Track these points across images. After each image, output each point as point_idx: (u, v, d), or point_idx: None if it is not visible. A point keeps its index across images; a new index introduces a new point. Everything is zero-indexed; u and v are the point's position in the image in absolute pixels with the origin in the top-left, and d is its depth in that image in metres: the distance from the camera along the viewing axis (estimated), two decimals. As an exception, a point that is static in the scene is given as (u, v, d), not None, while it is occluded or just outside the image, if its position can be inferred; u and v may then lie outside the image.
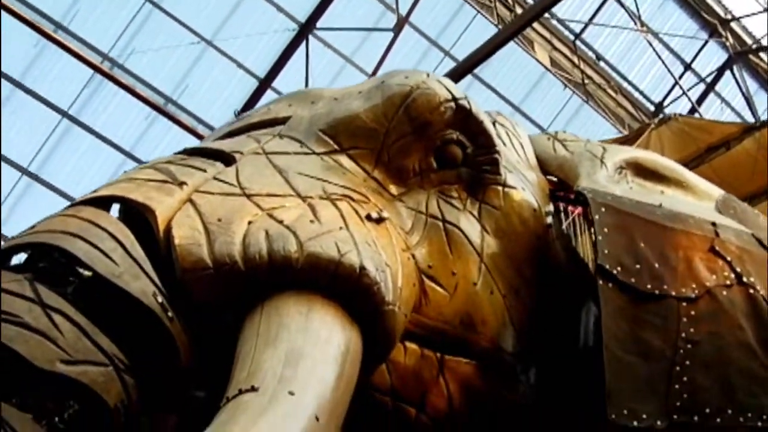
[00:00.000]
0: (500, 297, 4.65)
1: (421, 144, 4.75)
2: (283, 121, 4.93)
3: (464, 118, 4.83)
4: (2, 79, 16.56)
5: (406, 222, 4.59)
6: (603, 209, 4.79)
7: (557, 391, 4.76)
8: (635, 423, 4.25)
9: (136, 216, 4.05)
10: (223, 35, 17.90)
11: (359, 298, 4.00)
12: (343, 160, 4.65)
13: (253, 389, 3.50)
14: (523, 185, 5.01)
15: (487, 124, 4.95)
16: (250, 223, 4.04)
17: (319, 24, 18.20)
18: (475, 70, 17.74)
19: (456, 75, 15.31)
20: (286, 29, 18.21)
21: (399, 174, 4.72)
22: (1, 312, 3.49)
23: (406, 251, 4.41)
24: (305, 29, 18.21)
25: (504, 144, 5.33)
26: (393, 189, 4.69)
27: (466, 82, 17.76)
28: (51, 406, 3.54)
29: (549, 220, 4.98)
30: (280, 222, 4.07)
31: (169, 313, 3.78)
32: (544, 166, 5.53)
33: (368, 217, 4.31)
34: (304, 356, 3.68)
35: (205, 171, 4.29)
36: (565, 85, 20.44)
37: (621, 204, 4.88)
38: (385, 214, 4.38)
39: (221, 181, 4.24)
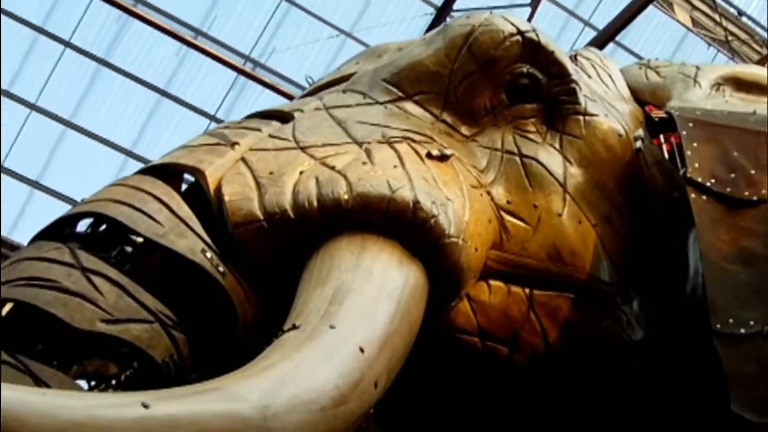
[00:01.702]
0: (590, 226, 4.51)
1: (489, 81, 4.64)
2: (349, 78, 4.90)
3: (533, 50, 4.69)
4: (149, 89, 16.99)
5: (480, 161, 4.49)
6: (690, 124, 4.63)
7: (663, 321, 4.59)
8: (742, 330, 4.01)
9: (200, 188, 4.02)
10: (361, 26, 17.92)
11: (415, 232, 3.89)
12: (409, 106, 4.57)
13: (295, 327, 3.39)
14: (606, 112, 4.83)
15: (559, 54, 4.78)
16: (301, 173, 3.97)
17: (455, 6, 18.00)
18: (617, 38, 17.38)
19: (598, 44, 15.03)
20: (423, 14, 18.10)
21: (470, 114, 4.61)
22: (39, 278, 3.47)
23: (478, 188, 4.31)
24: (442, 12, 18.03)
25: (589, 76, 5.19)
26: (465, 130, 4.59)
27: (609, 49, 17.29)
28: (97, 368, 3.49)
29: (638, 144, 4.77)
30: (332, 168, 4.00)
31: (220, 268, 3.71)
32: (638, 95, 5.34)
33: (428, 155, 4.21)
34: (352, 292, 3.57)
35: (259, 130, 4.25)
36: (709, 44, 19.69)
37: (711, 117, 4.70)
38: (448, 152, 4.27)
39: (276, 137, 4.20)
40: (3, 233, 15.25)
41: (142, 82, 17.08)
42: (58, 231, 3.79)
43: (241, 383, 3.03)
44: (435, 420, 4.61)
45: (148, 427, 2.64)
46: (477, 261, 4.11)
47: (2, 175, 15.67)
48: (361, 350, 3.35)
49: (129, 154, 17.09)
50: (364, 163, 4.04)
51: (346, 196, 3.86)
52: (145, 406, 2.66)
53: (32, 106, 16.01)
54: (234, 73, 17.21)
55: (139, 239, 3.72)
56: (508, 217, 4.36)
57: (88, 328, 3.40)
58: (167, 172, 4.02)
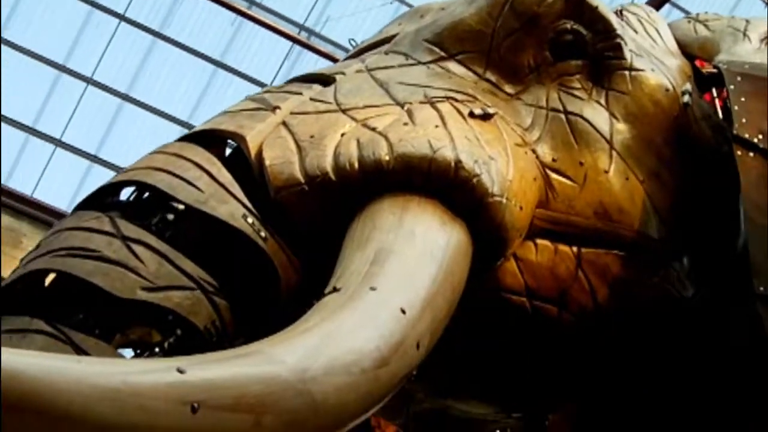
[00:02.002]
0: (637, 183, 4.46)
1: (532, 39, 4.59)
2: (391, 39, 4.85)
3: (577, 6, 4.63)
4: (205, 61, 17.05)
5: (525, 119, 4.44)
6: (738, 78, 4.54)
7: (713, 279, 4.54)
8: None
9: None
10: (417, -8, 17.82)
11: (458, 192, 3.86)
12: (451, 65, 4.53)
13: (335, 290, 3.37)
14: (652, 67, 4.75)
15: (604, 9, 4.71)
16: (342, 135, 3.95)
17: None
18: (673, -1, 17.06)
19: (654, 4, 14.79)
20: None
21: (513, 72, 4.57)
22: (79, 248, 3.48)
23: (522, 146, 4.27)
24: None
25: (635, 31, 5.11)
26: (508, 88, 4.54)
27: (665, 11, 17.01)
28: (140, 337, 3.51)
29: (686, 99, 4.69)
30: (373, 129, 3.97)
31: (262, 233, 3.70)
32: (686, 50, 5.25)
33: (471, 115, 4.17)
34: (394, 253, 3.53)
35: (300, 94, 4.23)
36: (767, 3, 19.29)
37: (760, 71, 4.59)
38: (491, 110, 4.24)
39: (317, 101, 4.17)
40: (63, 207, 15.46)
41: (197, 54, 17.14)
42: (100, 200, 3.80)
43: (280, 346, 3.01)
44: (479, 380, 4.60)
45: (183, 392, 2.60)
46: (522, 220, 4.07)
47: (61, 149, 15.85)
48: (403, 312, 3.31)
49: (186, 125, 17.18)
50: (405, 123, 4.00)
51: (387, 157, 3.84)
52: (180, 371, 2.63)
53: (89, 80, 16.14)
54: (289, 43, 17.23)
55: (180, 206, 3.72)
56: (553, 175, 4.32)
57: (129, 297, 3.39)
58: (209, 139, 4.00)
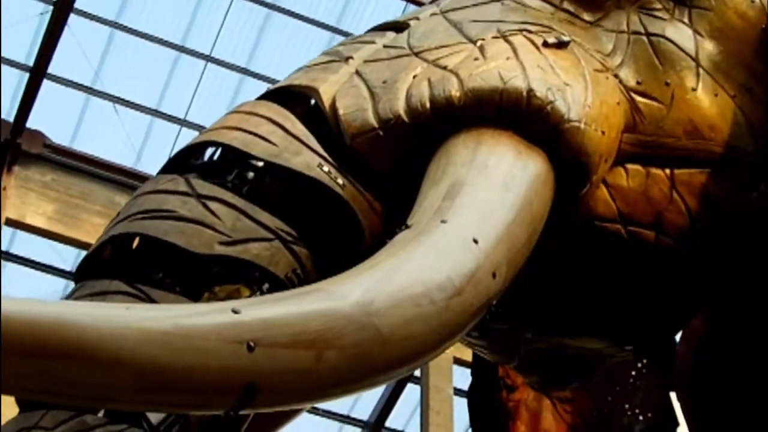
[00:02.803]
0: (728, 98, 4.35)
1: None
2: None
3: None
4: (321, 29, 17.11)
5: (605, 45, 4.36)
6: None
7: None
8: None
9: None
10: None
11: (532, 121, 3.82)
12: None
13: (406, 227, 3.35)
14: None
15: None
16: (414, 77, 3.94)
17: None
18: None
19: None
20: None
21: (591, 0, 4.47)
22: (155, 210, 3.54)
23: (603, 72, 4.20)
24: None
25: None
26: (587, 16, 4.45)
27: None
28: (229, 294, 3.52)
29: None
30: (444, 68, 3.95)
31: (339, 180, 3.72)
32: None
33: (545, 44, 4.11)
34: (466, 186, 3.52)
35: (374, 42, 4.23)
36: None
37: None
38: (566, 38, 4.16)
39: (390, 47, 4.17)
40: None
41: (313, 22, 17.21)
42: (177, 164, 3.85)
43: (342, 282, 3.00)
44: (584, 315, 4.51)
45: (238, 331, 2.59)
46: (605, 144, 4.00)
47: (186, 128, 16.13)
48: (475, 242, 3.28)
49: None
50: (476, 59, 3.97)
51: (457, 93, 3.82)
52: (236, 311, 2.63)
53: (208, 58, 16.31)
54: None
55: (258, 162, 3.76)
56: (639, 98, 4.24)
57: (207, 252, 3.43)
58: (285, 96, 4.03)
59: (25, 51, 14.35)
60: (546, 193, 3.75)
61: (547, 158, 3.80)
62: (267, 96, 4.06)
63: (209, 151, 3.90)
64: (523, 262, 3.56)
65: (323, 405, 16.41)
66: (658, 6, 4.46)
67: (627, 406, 4.92)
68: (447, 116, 3.80)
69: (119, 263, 3.53)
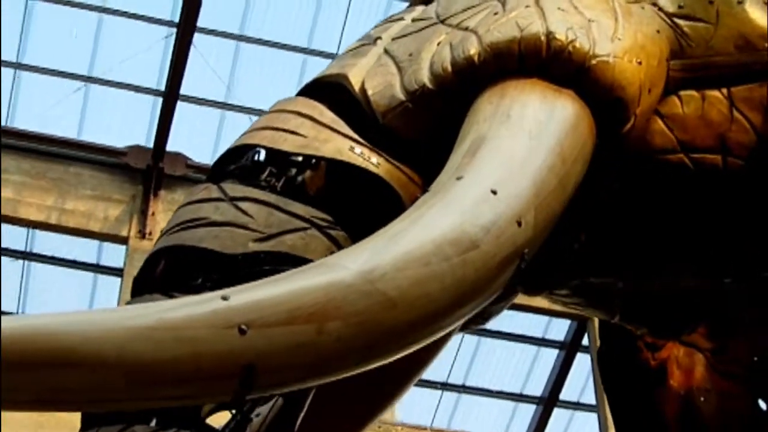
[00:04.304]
0: None
1: None
2: None
3: None
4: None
5: None
6: None
7: None
8: None
9: None
10: None
11: (556, 63, 3.72)
12: None
13: (426, 191, 3.30)
14: None
15: None
16: (438, 44, 3.90)
17: None
18: None
19: None
20: None
21: None
22: (190, 220, 3.59)
23: (637, 2, 4.08)
24: None
25: None
26: None
27: None
28: None
29: None
30: (465, 29, 3.89)
31: (373, 159, 3.70)
32: None
33: None
34: (486, 140, 3.44)
35: (402, 19, 4.23)
36: None
37: None
38: None
39: (418, 20, 4.15)
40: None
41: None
42: (215, 173, 3.91)
43: (345, 254, 2.96)
44: (672, 255, 4.37)
45: (227, 317, 2.57)
46: (644, 74, 3.85)
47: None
48: (494, 192, 3.19)
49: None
50: (496, 13, 3.89)
51: (477, 50, 3.75)
52: (225, 298, 2.61)
53: (336, 57, 16.28)
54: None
55: (298, 157, 3.79)
56: (682, 22, 4.08)
57: (242, 251, 3.43)
58: (320, 89, 4.03)
59: (156, 76, 14.72)
60: (581, 133, 3.62)
61: (578, 98, 3.69)
62: (302, 92, 4.06)
63: (246, 154, 3.93)
64: (561, 205, 3.44)
65: (494, 385, 16.37)
66: None
67: None
68: (470, 76, 3.72)
69: (162, 277, 3.57)
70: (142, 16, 14.67)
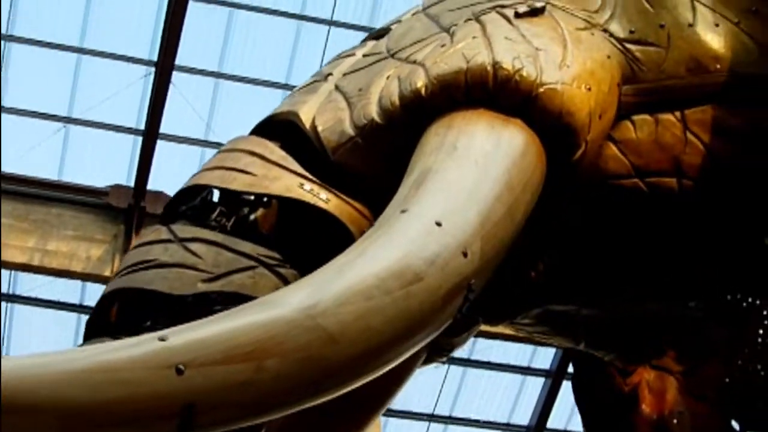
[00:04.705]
0: (731, 26, 4.19)
1: None
2: None
3: None
4: None
5: (593, 3, 4.25)
6: None
7: None
8: None
9: None
10: None
11: (502, 93, 3.74)
12: None
13: (371, 224, 3.36)
14: None
15: None
16: (387, 78, 3.93)
17: None
18: None
19: None
20: None
21: None
22: (140, 262, 3.60)
23: (587, 29, 4.11)
24: None
25: None
26: None
27: None
28: None
29: None
30: (414, 62, 3.92)
31: (323, 195, 3.72)
32: None
33: (516, 15, 4.03)
34: (432, 172, 3.45)
35: (353, 55, 4.26)
36: None
37: None
38: (539, 4, 4.08)
39: (369, 55, 4.18)
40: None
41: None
42: (166, 215, 3.92)
43: (287, 290, 2.98)
44: (634, 279, 4.41)
45: (165, 357, 2.60)
46: (594, 100, 3.87)
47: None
48: (438, 224, 3.20)
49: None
50: (443, 45, 3.91)
51: (422, 84, 3.76)
52: (162, 339, 2.64)
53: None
54: None
55: (250, 196, 3.79)
56: (634, 47, 4.12)
57: (191, 292, 3.46)
58: (273, 128, 4.05)
59: (135, 115, 14.68)
60: (529, 161, 3.63)
61: (527, 127, 3.70)
62: (255, 130, 4.09)
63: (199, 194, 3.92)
64: (510, 234, 3.46)
65: (481, 415, 16.31)
66: None
67: (759, 366, 4.68)
68: (418, 109, 3.74)
69: (114, 320, 3.59)
70: (121, 55, 14.65)
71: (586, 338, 4.80)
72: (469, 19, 4.04)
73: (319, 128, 3.86)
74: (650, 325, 4.76)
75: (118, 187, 14.64)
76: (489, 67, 3.72)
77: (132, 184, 14.47)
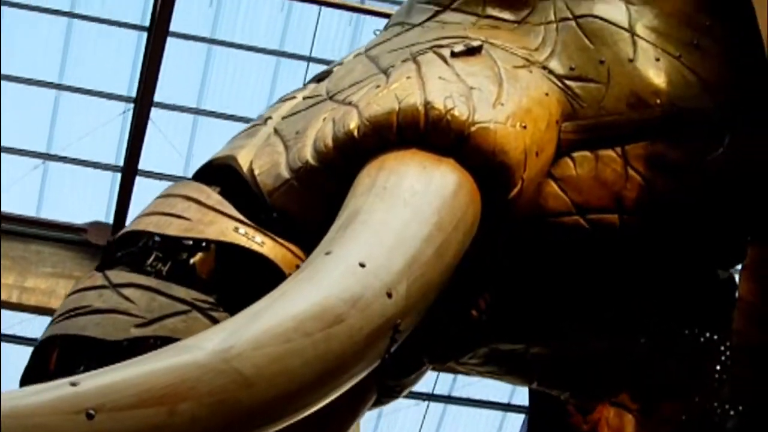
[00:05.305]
0: (672, 60, 4.20)
1: None
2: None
3: None
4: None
5: (533, 41, 4.29)
6: None
7: None
8: None
9: None
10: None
11: (434, 132, 3.74)
12: (447, 16, 4.45)
13: (297, 267, 3.36)
14: None
15: None
16: (323, 120, 3.93)
17: None
18: None
19: None
20: None
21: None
22: (74, 309, 3.62)
23: (525, 66, 4.13)
24: None
25: None
26: (513, 16, 4.41)
27: None
28: None
29: None
30: (349, 104, 3.93)
31: (257, 239, 3.72)
32: None
33: (452, 54, 4.04)
34: (360, 213, 3.46)
35: (294, 98, 4.28)
36: None
37: None
38: (475, 43, 4.09)
39: (309, 97, 4.20)
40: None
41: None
42: (103, 261, 3.91)
43: (202, 334, 2.97)
44: (581, 315, 4.41)
45: (75, 402, 2.58)
46: (530, 138, 3.87)
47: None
48: (362, 265, 3.19)
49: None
50: (378, 86, 3.93)
51: (354, 126, 3.77)
52: (74, 384, 2.63)
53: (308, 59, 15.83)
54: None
55: (189, 241, 3.80)
56: (574, 83, 4.13)
57: (124, 337, 3.45)
58: (212, 172, 4.08)
59: (114, 151, 14.73)
60: (461, 201, 3.63)
61: (460, 166, 3.69)
62: (196, 175, 4.11)
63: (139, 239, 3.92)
64: (440, 274, 3.44)
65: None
66: None
67: (716, 403, 4.66)
68: (351, 150, 3.75)
69: (50, 367, 3.58)
70: (99, 92, 14.69)
71: (539, 377, 4.78)
72: (407, 60, 4.05)
73: (256, 172, 3.87)
74: (602, 362, 4.73)
75: (96, 224, 14.63)
76: (420, 107, 3.73)
77: (111, 221, 14.45)
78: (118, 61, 14.74)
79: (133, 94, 14.38)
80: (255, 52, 15.12)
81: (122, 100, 14.62)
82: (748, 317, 4.37)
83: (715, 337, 4.57)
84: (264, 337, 2.89)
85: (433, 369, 4.70)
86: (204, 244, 3.77)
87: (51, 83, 14.75)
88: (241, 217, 3.75)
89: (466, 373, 5.02)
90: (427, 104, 3.74)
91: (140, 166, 14.46)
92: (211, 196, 3.84)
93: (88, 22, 14.57)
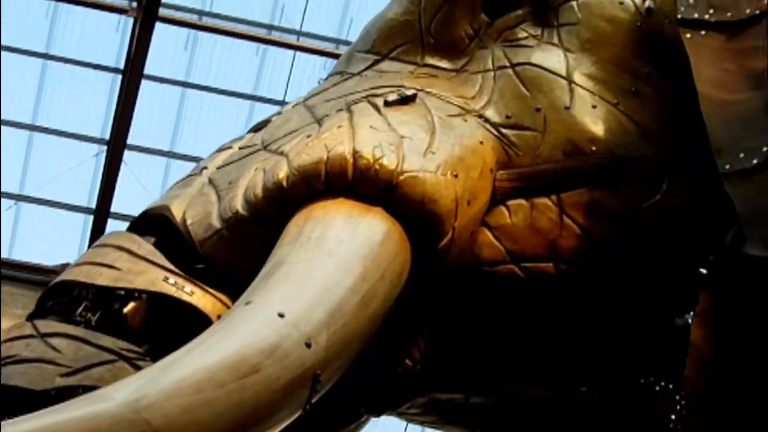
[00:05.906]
0: (609, 107, 4.22)
1: (461, 8, 4.46)
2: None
3: None
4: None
5: (470, 89, 4.30)
6: None
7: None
8: (755, 161, 3.62)
9: None
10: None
11: (362, 182, 3.76)
12: (385, 65, 4.47)
13: (219, 318, 3.40)
14: None
15: None
16: (256, 170, 3.97)
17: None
18: None
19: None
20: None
21: (453, 47, 4.45)
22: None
23: (460, 115, 4.14)
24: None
25: None
26: (451, 65, 4.43)
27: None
28: None
29: (648, 4, 4.40)
30: (281, 153, 3.95)
31: (187, 288, 3.75)
32: None
33: (386, 103, 4.07)
34: (285, 263, 3.47)
35: (230, 148, 4.31)
36: None
37: None
38: (409, 92, 4.12)
39: (244, 147, 4.24)
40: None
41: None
42: (35, 311, 3.99)
43: (114, 385, 2.98)
44: (499, 363, 4.40)
45: None
46: (462, 187, 3.88)
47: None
48: (281, 315, 3.19)
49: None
50: (309, 135, 3.95)
51: (283, 175, 3.79)
52: None
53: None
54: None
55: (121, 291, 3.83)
56: (510, 132, 4.14)
57: (49, 386, 3.47)
58: (148, 222, 4.11)
59: (86, 194, 14.70)
60: (388, 250, 3.63)
61: (388, 215, 3.70)
62: (131, 226, 4.14)
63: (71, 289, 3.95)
64: (363, 324, 3.44)
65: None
66: (523, 35, 4.38)
67: None
68: (280, 200, 3.77)
69: None
70: (73, 133, 14.67)
71: (481, 427, 4.77)
72: (341, 110, 4.08)
73: (189, 221, 3.90)
74: (544, 411, 4.73)
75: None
76: (349, 156, 3.74)
77: (82, 262, 14.38)
78: (92, 102, 14.73)
79: (107, 136, 14.37)
80: (229, 95, 15.11)
81: (95, 142, 14.59)
82: (699, 364, 4.33)
83: (670, 386, 4.57)
84: (176, 388, 2.89)
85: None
86: (136, 294, 3.79)
87: (25, 124, 14.73)
88: (172, 267, 3.78)
89: (409, 422, 5.00)
90: (356, 153, 3.76)
91: (113, 209, 14.40)
92: (143, 246, 3.86)
93: (63, 63, 14.57)
